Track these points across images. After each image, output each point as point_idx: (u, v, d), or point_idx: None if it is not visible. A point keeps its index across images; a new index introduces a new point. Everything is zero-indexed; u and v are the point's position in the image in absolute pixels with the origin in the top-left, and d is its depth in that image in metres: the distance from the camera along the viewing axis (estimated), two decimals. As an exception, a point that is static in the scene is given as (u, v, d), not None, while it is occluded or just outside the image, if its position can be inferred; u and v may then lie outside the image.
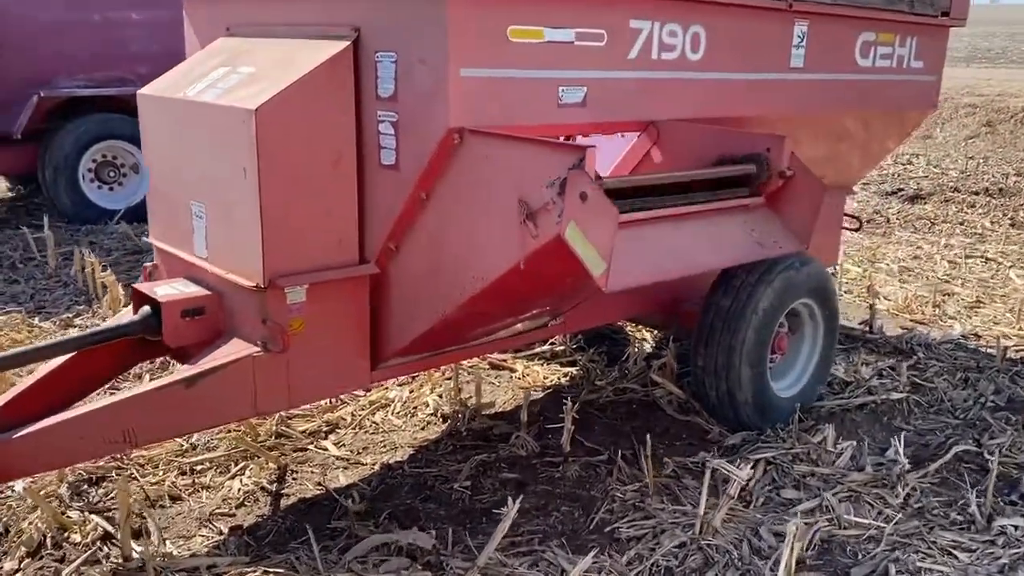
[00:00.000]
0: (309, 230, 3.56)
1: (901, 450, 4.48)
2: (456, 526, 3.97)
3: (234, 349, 3.55)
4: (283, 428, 4.87)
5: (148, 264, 4.33)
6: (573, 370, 5.74)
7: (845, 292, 7.51)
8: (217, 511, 4.16)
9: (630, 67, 3.81)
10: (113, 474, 4.39)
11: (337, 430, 4.98)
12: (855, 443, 4.66)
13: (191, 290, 3.75)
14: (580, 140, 4.29)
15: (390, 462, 4.63)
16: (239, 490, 4.32)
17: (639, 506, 4.12)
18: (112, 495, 4.21)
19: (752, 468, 4.36)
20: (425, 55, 3.29)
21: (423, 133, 3.36)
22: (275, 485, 4.39)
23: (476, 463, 4.55)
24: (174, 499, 4.28)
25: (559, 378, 5.64)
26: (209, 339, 3.69)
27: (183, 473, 4.47)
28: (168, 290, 3.75)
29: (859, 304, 7.18)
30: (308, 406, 4.93)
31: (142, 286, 3.82)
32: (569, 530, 3.98)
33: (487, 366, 5.81)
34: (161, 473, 4.44)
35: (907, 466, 4.40)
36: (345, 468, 4.59)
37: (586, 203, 2.87)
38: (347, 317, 3.77)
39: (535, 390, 5.47)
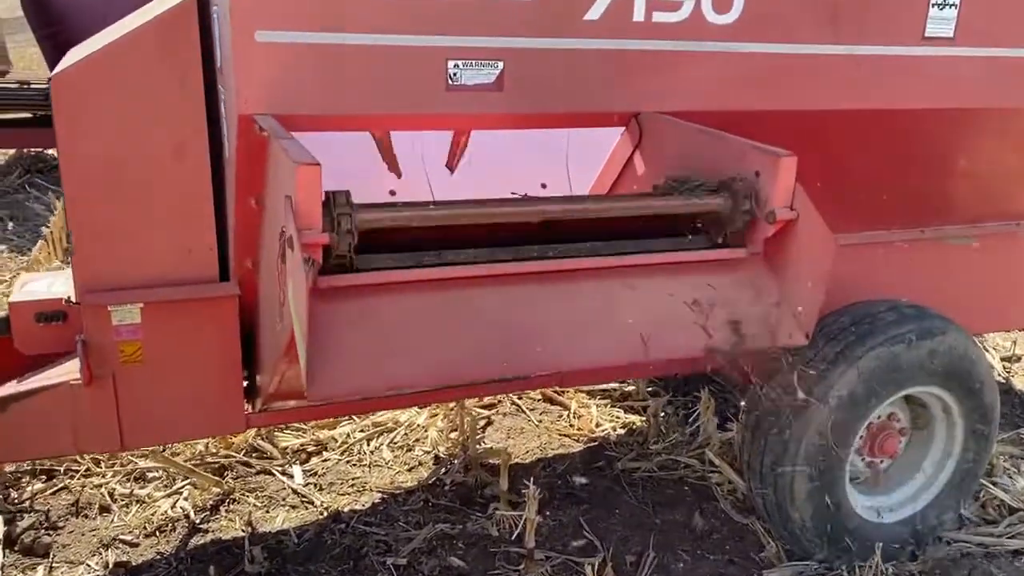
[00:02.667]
0: (143, 236, 2.75)
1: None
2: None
3: (57, 372, 2.88)
4: (261, 442, 4.20)
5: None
6: (637, 419, 4.44)
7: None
8: (125, 536, 3.59)
9: (590, 33, 2.51)
10: (62, 470, 4.00)
11: (323, 452, 4.21)
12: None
13: (61, 291, 3.13)
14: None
15: (343, 509, 3.77)
16: (164, 514, 3.72)
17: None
18: (47, 492, 3.82)
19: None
20: (222, 7, 2.31)
21: (231, 120, 2.40)
22: (203, 515, 3.73)
23: (434, 534, 3.54)
24: (102, 510, 3.78)
25: (613, 428, 4.38)
26: (66, 352, 3.05)
27: (130, 479, 3.96)
28: (39, 287, 3.17)
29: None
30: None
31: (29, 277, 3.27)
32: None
33: (538, 396, 4.69)
34: (109, 475, 3.97)
35: None
36: (292, 507, 3.81)
37: (291, 255, 1.76)
38: (208, 347, 2.93)
39: (575, 439, 4.28)
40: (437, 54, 2.39)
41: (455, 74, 2.43)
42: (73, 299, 2.77)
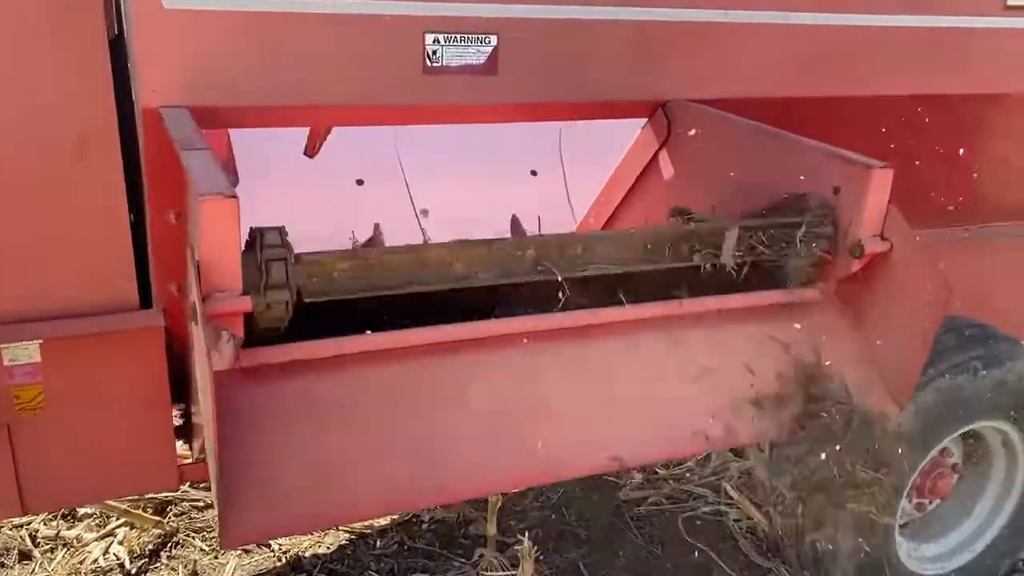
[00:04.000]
0: (39, 255, 2.15)
1: None
2: None
3: (-61, 421, 2.28)
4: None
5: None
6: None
7: None
8: (43, 594, 3.03)
9: (606, 0, 1.92)
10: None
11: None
12: None
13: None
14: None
15: (304, 554, 3.23)
16: (95, 562, 3.16)
17: None
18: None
19: None
20: (122, -34, 1.70)
21: (137, 113, 1.80)
22: (141, 564, 3.17)
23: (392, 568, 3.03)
24: (22, 557, 3.22)
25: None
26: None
27: (56, 517, 3.39)
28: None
29: None
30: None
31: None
32: None
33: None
34: (33, 516, 3.38)
35: None
36: (246, 551, 3.27)
37: (195, 330, 1.19)
38: (128, 388, 2.35)
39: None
40: (411, 26, 1.80)
41: (435, 52, 1.84)
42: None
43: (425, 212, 3.72)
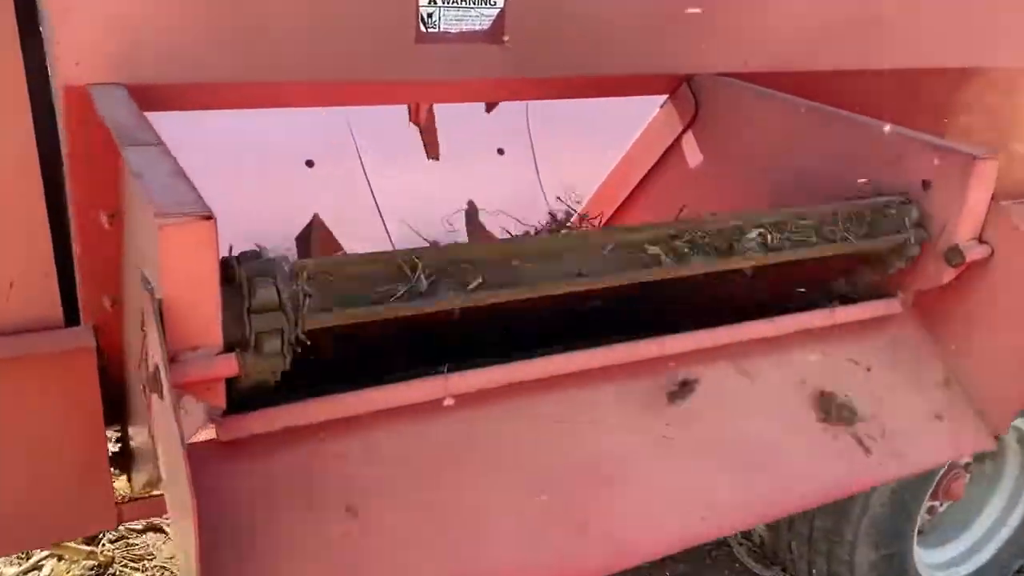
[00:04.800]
0: None
1: None
2: None
3: None
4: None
5: None
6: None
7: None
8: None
9: None
10: None
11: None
12: None
13: None
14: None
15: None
16: (15, 603, 2.76)
17: None
18: None
19: None
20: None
21: (55, 93, 1.42)
22: None
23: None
24: (-71, 601, 2.79)
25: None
26: None
27: (-28, 552, 2.95)
28: None
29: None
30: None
31: None
32: None
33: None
34: (-57, 548, 2.94)
35: None
36: (194, 581, 2.89)
37: (159, 403, 0.84)
38: (54, 418, 1.97)
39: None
40: (400, -18, 1.46)
41: (430, 15, 1.50)
42: None
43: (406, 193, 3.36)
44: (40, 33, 1.55)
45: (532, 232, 3.63)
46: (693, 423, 1.21)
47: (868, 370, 1.38)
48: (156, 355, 0.82)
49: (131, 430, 2.22)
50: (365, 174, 3.46)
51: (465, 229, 3.35)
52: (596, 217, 2.13)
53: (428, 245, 1.12)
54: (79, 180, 1.47)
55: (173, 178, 0.93)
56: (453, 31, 1.53)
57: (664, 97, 1.87)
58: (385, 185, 3.56)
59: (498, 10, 1.55)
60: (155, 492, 2.20)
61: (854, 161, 1.49)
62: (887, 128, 1.46)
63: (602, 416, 1.17)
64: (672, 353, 1.25)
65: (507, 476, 1.07)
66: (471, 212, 3.32)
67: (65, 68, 1.27)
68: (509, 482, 1.06)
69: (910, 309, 1.48)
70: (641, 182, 1.95)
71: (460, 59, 1.55)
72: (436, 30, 1.51)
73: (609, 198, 2.04)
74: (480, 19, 1.55)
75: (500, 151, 3.63)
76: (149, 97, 1.29)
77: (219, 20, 1.33)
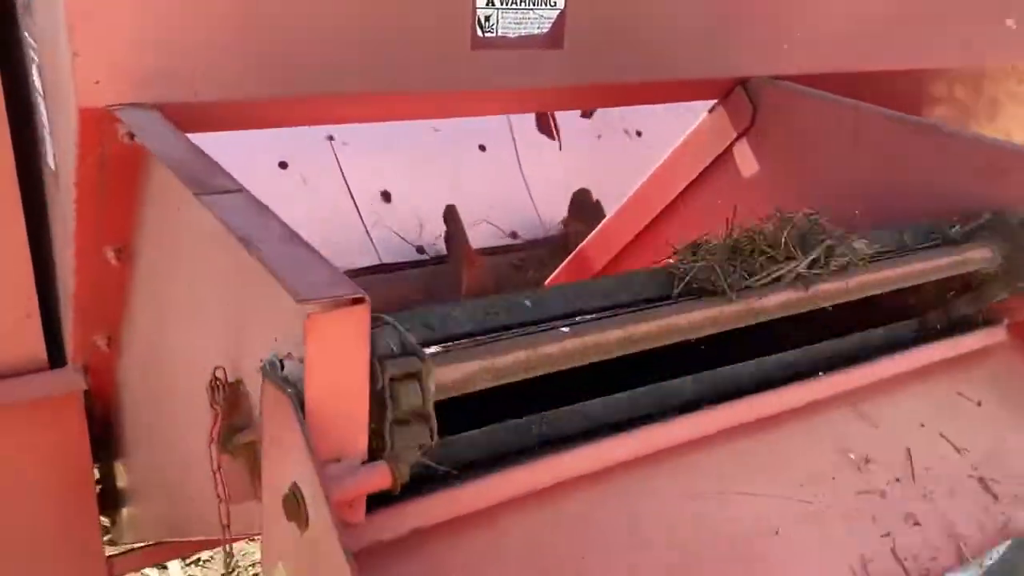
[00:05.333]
0: None
1: None
2: None
3: None
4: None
5: None
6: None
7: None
8: None
9: None
10: None
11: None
12: None
13: None
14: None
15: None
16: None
17: None
18: None
19: None
20: None
21: (62, 114, 1.20)
22: None
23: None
24: None
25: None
26: None
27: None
28: None
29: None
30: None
31: None
32: None
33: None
34: None
35: None
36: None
37: (299, 535, 0.67)
38: (38, 468, 1.75)
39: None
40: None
41: (488, 18, 1.33)
42: None
43: (387, 195, 3.17)
44: (20, 56, 1.33)
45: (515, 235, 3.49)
46: (825, 481, 1.09)
47: (978, 404, 1.29)
48: (299, 471, 0.65)
49: (120, 469, 2.02)
50: (343, 175, 3.26)
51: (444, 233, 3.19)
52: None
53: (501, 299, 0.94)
54: (86, 213, 1.26)
55: (292, 245, 0.75)
56: (512, 35, 1.36)
57: (714, 102, 1.74)
58: (363, 185, 3.36)
59: (558, 11, 1.39)
60: (141, 544, 2.00)
61: (937, 174, 1.38)
62: (994, 140, 1.36)
63: (741, 483, 1.04)
64: (806, 402, 1.13)
65: (655, 557, 0.92)
66: (451, 217, 3.16)
67: (84, 87, 1.06)
68: (658, 566, 0.92)
69: (1012, 338, 1.39)
70: (683, 192, 1.81)
71: (518, 67, 1.39)
72: (494, 34, 1.35)
73: (644, 207, 1.90)
74: (540, 21, 1.38)
75: (482, 147, 3.47)
76: (182, 119, 1.10)
77: (256, 32, 1.14)
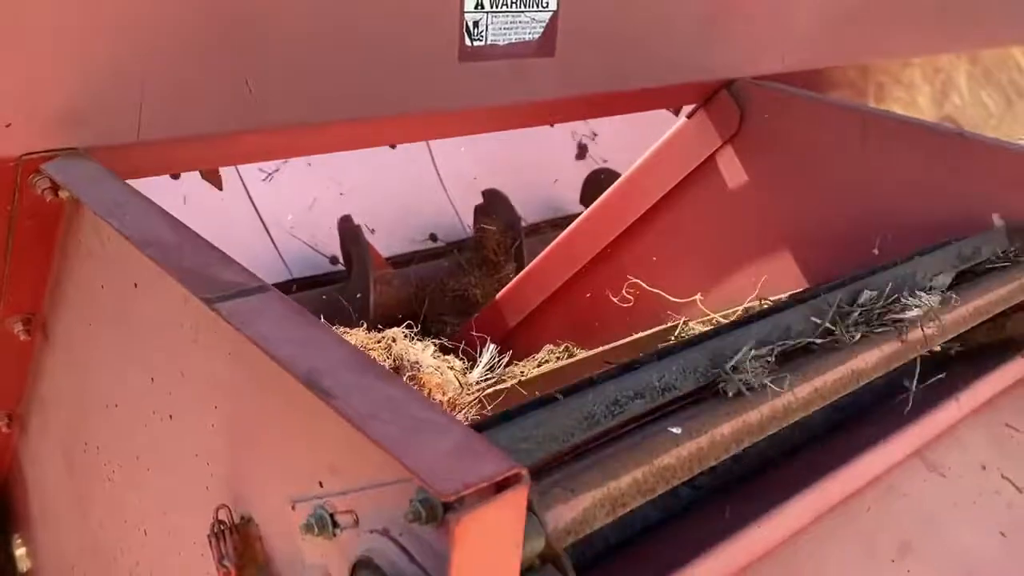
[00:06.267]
0: None
1: None
2: None
3: None
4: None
5: None
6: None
7: None
8: None
9: None
10: None
11: None
12: None
13: None
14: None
15: None
16: None
17: None
18: None
19: None
20: None
21: None
22: None
23: None
24: None
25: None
26: None
27: None
28: None
29: None
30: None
31: None
32: None
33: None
34: None
35: None
36: None
37: None
38: None
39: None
40: (443, -17, 1.07)
41: (476, 24, 1.13)
42: None
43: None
44: None
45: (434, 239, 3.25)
46: (908, 555, 0.97)
47: (1027, 434, 1.20)
48: None
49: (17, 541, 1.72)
50: (241, 179, 2.95)
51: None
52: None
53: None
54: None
55: (365, 375, 0.53)
56: (502, 43, 1.17)
57: (692, 107, 1.59)
58: (263, 189, 3.06)
59: (550, 14, 1.20)
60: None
61: (958, 184, 1.29)
62: (1009, 144, 1.27)
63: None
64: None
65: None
66: (346, 226, 2.91)
67: (14, 134, 0.80)
68: None
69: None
70: (657, 204, 1.66)
71: (507, 79, 1.19)
72: (483, 42, 1.14)
73: (612, 219, 1.74)
74: (532, 26, 1.19)
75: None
76: (131, 163, 0.85)
77: (214, 57, 0.90)
